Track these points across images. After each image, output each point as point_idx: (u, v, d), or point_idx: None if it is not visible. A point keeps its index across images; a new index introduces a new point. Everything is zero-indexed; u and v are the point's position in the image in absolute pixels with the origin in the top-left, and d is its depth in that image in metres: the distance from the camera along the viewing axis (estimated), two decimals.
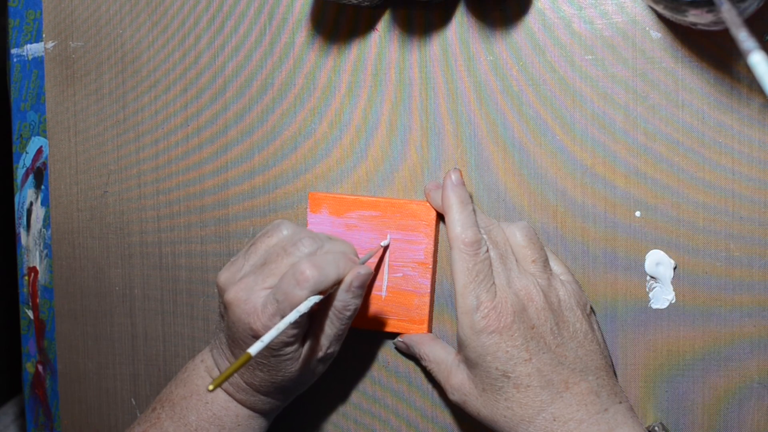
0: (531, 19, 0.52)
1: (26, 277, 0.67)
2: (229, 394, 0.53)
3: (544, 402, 0.47)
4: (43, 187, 0.65)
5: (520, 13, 0.52)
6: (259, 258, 0.50)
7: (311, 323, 0.50)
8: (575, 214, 0.52)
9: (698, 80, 0.49)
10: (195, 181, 0.60)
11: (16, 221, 0.67)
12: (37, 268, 0.66)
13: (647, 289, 0.51)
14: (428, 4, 0.53)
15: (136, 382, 0.63)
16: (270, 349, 0.48)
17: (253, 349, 0.41)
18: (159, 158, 0.61)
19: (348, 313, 0.49)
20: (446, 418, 0.55)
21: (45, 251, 0.66)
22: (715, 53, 0.49)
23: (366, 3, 0.53)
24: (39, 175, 0.66)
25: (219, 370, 0.53)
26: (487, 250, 0.49)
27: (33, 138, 0.66)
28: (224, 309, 0.50)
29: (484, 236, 0.49)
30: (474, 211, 0.50)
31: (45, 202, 0.65)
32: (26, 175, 0.66)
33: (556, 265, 0.51)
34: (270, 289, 0.48)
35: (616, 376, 0.51)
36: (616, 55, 0.50)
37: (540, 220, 0.53)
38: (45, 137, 0.65)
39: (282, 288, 0.46)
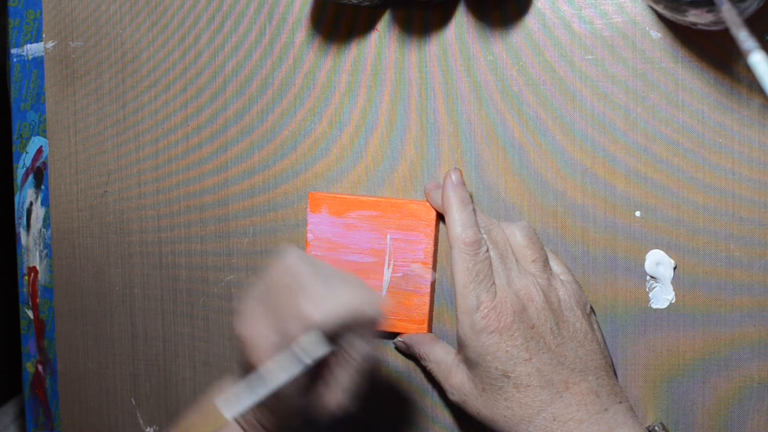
0: (530, 20, 0.52)
1: (26, 277, 0.67)
2: (242, 428, 0.49)
3: (544, 402, 0.46)
4: (43, 187, 0.65)
5: (519, 14, 0.52)
6: (270, 287, 0.46)
7: (320, 370, 0.46)
8: (575, 215, 0.52)
9: (698, 81, 0.49)
10: (195, 180, 0.60)
11: (16, 221, 0.67)
12: (37, 268, 0.66)
13: (647, 289, 0.51)
14: (427, 4, 0.53)
15: (136, 382, 0.63)
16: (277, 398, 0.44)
17: (228, 412, 0.41)
18: (159, 157, 0.61)
19: (368, 366, 0.45)
20: (446, 417, 0.55)
21: (45, 251, 0.66)
22: (715, 53, 0.48)
23: (366, 3, 0.53)
24: (39, 175, 0.66)
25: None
26: (487, 250, 0.49)
27: (33, 138, 0.66)
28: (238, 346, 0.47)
29: (484, 236, 0.49)
30: (474, 211, 0.50)
31: (45, 202, 0.65)
32: (26, 175, 0.66)
33: (556, 265, 0.51)
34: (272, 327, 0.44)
35: (616, 376, 0.51)
36: (615, 55, 0.50)
37: (540, 220, 0.53)
38: (45, 137, 0.65)
39: (281, 327, 0.43)
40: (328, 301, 0.43)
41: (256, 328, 0.44)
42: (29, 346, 0.67)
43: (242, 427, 0.49)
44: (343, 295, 0.44)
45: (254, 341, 0.44)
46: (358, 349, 0.45)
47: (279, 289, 0.45)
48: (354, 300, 0.44)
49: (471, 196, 0.53)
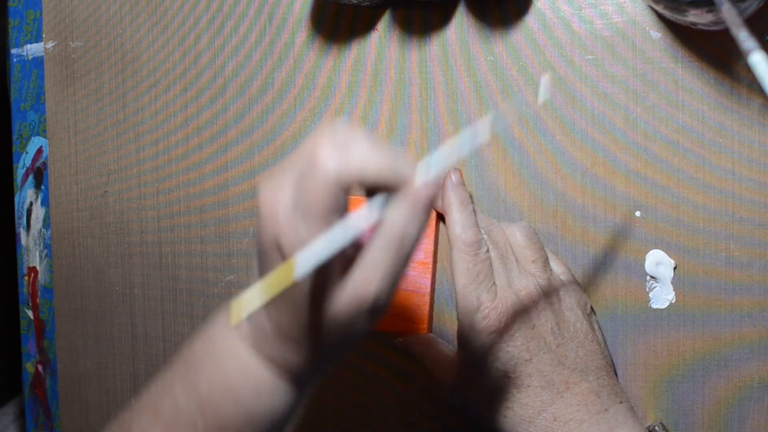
0: (530, 20, 0.52)
1: (26, 277, 0.67)
2: (250, 345, 0.39)
3: (544, 402, 0.46)
4: (43, 187, 0.65)
5: (519, 14, 0.52)
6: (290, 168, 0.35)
7: (357, 253, 0.36)
8: (575, 215, 0.52)
9: (698, 81, 0.49)
10: (195, 181, 0.60)
11: (16, 221, 0.67)
12: (37, 268, 0.66)
13: (647, 289, 0.51)
14: (428, 4, 0.53)
15: (136, 382, 0.63)
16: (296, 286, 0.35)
17: (301, 271, 0.30)
18: (159, 158, 0.61)
19: (409, 241, 0.34)
20: (446, 418, 0.55)
21: (45, 251, 0.66)
22: (715, 53, 0.49)
23: (366, 3, 0.53)
24: (39, 175, 0.66)
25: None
26: (488, 251, 0.49)
27: (33, 138, 0.66)
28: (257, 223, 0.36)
29: (485, 236, 0.49)
30: (474, 211, 0.50)
31: (45, 202, 0.65)
32: (26, 175, 0.66)
33: (556, 265, 0.51)
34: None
35: (616, 375, 0.51)
36: (615, 55, 0.50)
37: (540, 220, 0.53)
38: (45, 137, 0.65)
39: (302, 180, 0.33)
40: (354, 152, 0.33)
41: (274, 193, 0.34)
42: (29, 346, 0.67)
43: (251, 346, 0.39)
44: (377, 150, 0.34)
45: (270, 207, 0.34)
46: (394, 221, 0.34)
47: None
48: (391, 157, 0.34)
49: (471, 197, 0.53)
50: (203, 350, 0.41)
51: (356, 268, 0.35)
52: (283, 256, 0.34)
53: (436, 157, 0.35)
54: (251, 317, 0.38)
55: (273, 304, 0.36)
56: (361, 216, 0.33)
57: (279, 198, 0.34)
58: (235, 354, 0.39)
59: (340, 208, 0.33)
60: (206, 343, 0.41)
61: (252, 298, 0.31)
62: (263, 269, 0.36)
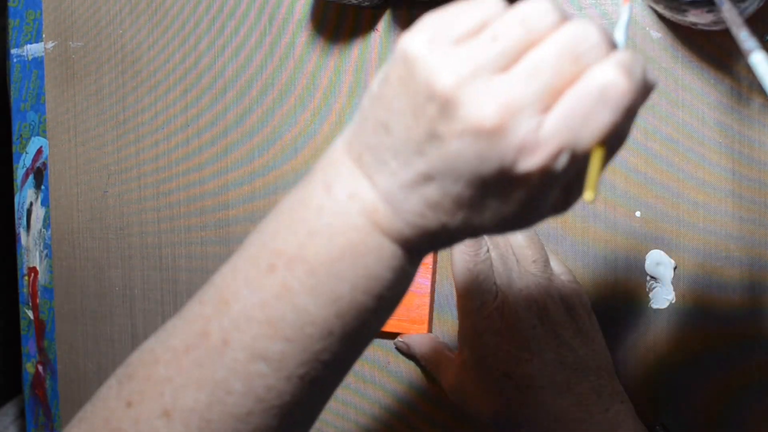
0: None
1: (26, 277, 0.66)
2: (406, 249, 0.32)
3: (545, 402, 0.47)
4: (43, 187, 0.65)
5: None
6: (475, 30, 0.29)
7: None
8: (575, 214, 0.52)
9: (698, 80, 0.49)
10: (195, 183, 0.60)
11: (16, 221, 0.67)
12: (37, 268, 0.66)
13: (647, 289, 0.51)
14: (429, 4, 0.53)
15: None
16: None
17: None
18: (159, 160, 0.61)
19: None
20: (446, 418, 0.55)
21: (45, 251, 0.66)
22: (715, 53, 0.49)
23: (366, 3, 0.53)
24: (39, 175, 0.66)
25: (397, 209, 0.31)
26: (488, 251, 0.49)
27: (33, 138, 0.66)
28: (397, 69, 0.30)
29: (485, 237, 0.49)
30: None
31: (45, 203, 0.65)
32: (26, 175, 0.66)
33: (556, 265, 0.51)
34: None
35: (616, 376, 0.51)
36: None
37: None
38: (45, 137, 0.65)
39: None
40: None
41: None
42: (29, 347, 0.67)
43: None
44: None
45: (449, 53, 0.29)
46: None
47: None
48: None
49: None
50: (337, 252, 0.32)
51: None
52: (443, 111, 0.28)
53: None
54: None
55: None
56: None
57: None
58: (381, 250, 0.32)
59: None
60: (336, 242, 0.32)
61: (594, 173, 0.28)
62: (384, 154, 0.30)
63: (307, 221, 0.33)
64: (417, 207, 0.31)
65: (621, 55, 0.28)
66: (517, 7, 0.29)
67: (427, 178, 0.30)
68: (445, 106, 0.28)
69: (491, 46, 0.29)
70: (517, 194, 0.30)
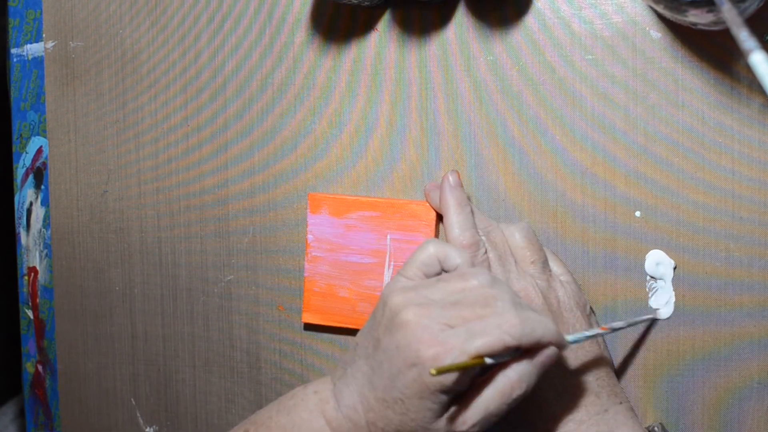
0: (530, 20, 0.52)
1: (26, 277, 0.67)
2: None
3: (544, 403, 0.46)
4: (43, 186, 0.65)
5: (519, 14, 0.52)
6: (449, 296, 0.42)
7: (473, 384, 0.42)
8: (575, 215, 0.52)
9: (698, 80, 0.49)
10: (194, 180, 0.60)
11: (16, 221, 0.67)
12: (37, 268, 0.66)
13: (647, 289, 0.51)
14: (428, 3, 0.53)
15: (136, 382, 0.63)
16: (426, 390, 0.40)
17: (490, 360, 0.39)
18: (158, 157, 0.61)
19: (518, 392, 0.41)
20: None
21: (45, 251, 0.66)
22: (715, 53, 0.48)
23: (365, 2, 0.52)
24: (39, 174, 0.66)
25: (339, 404, 0.44)
26: (486, 252, 0.49)
27: (33, 138, 0.66)
28: (389, 329, 0.42)
29: (483, 238, 0.49)
30: (472, 212, 0.50)
31: (45, 202, 0.65)
32: (26, 175, 0.66)
33: (555, 266, 0.51)
34: (449, 327, 0.41)
35: (616, 376, 0.51)
36: (615, 55, 0.50)
37: (539, 220, 0.53)
38: (45, 137, 0.65)
39: (479, 329, 0.40)
40: (527, 314, 0.41)
41: (435, 318, 0.41)
42: (29, 346, 0.67)
43: None
44: (541, 318, 0.41)
45: (428, 326, 0.41)
46: (520, 372, 0.41)
47: (471, 294, 0.42)
48: (549, 328, 0.41)
49: (469, 198, 0.53)
50: (289, 422, 0.46)
51: (463, 399, 0.42)
52: (415, 369, 0.40)
53: (581, 336, 0.44)
54: (349, 408, 0.44)
55: (388, 404, 0.42)
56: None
57: (436, 329, 0.40)
58: None
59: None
60: (293, 416, 0.46)
61: (449, 367, 0.39)
62: (378, 380, 0.42)
63: (281, 403, 0.47)
64: (350, 400, 0.44)
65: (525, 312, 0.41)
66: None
67: (364, 374, 0.43)
68: (391, 318, 0.42)
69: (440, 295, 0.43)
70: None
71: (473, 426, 0.41)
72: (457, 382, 0.40)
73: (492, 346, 0.39)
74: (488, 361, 0.39)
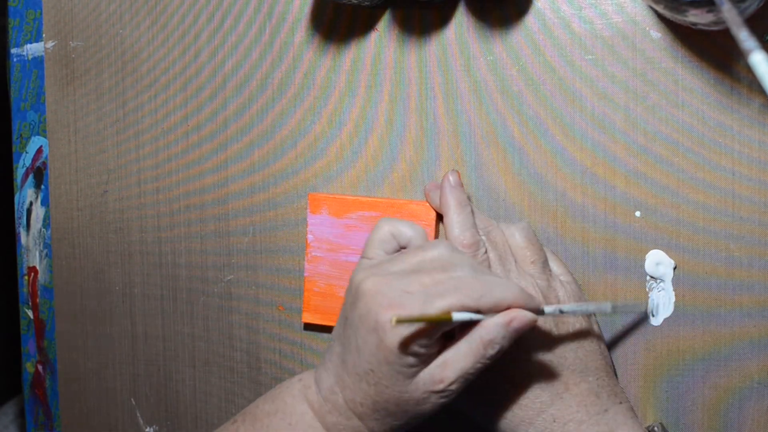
0: (530, 20, 0.52)
1: (26, 277, 0.67)
2: (318, 415, 0.46)
3: (543, 403, 0.46)
4: (42, 186, 0.65)
5: (519, 14, 0.52)
6: (408, 266, 0.43)
7: (444, 347, 0.43)
8: (575, 215, 0.52)
9: (698, 80, 0.49)
10: (194, 178, 0.60)
11: (16, 221, 0.67)
12: (37, 267, 0.66)
13: (647, 290, 0.51)
14: (428, 4, 0.53)
15: (136, 382, 0.63)
16: (390, 353, 0.41)
17: (457, 315, 0.39)
18: (158, 156, 0.61)
19: (491, 352, 0.42)
20: (445, 417, 0.55)
21: (45, 251, 0.66)
22: (715, 53, 0.48)
23: (366, 2, 0.52)
24: (39, 174, 0.66)
25: (319, 387, 0.46)
26: (486, 252, 0.49)
27: (33, 138, 0.66)
28: (353, 304, 0.43)
29: (483, 238, 0.49)
30: (472, 212, 0.50)
31: (45, 202, 0.65)
32: (26, 174, 0.66)
33: (555, 266, 0.51)
34: (409, 293, 0.41)
35: (616, 376, 0.51)
36: (615, 55, 0.50)
37: (539, 220, 0.53)
38: (45, 137, 0.65)
39: (437, 290, 0.41)
40: (487, 277, 0.42)
41: (393, 285, 0.42)
42: (29, 346, 0.67)
43: (320, 416, 0.46)
44: (506, 281, 0.42)
45: (387, 294, 0.42)
46: (492, 332, 0.41)
47: (430, 263, 0.43)
48: (515, 291, 0.42)
49: (469, 198, 0.53)
50: (274, 408, 0.47)
51: (441, 355, 0.42)
52: (377, 336, 0.41)
53: (566, 308, 0.45)
54: (325, 387, 0.46)
55: (361, 377, 0.43)
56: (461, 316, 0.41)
57: (396, 295, 0.41)
58: (304, 420, 0.46)
59: None
60: (277, 402, 0.47)
61: (409, 318, 0.39)
62: (347, 355, 0.44)
63: (268, 394, 0.49)
64: (328, 382, 0.45)
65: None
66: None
67: (338, 355, 0.45)
68: (354, 293, 0.43)
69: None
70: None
71: (451, 384, 0.42)
72: (419, 343, 0.41)
73: (450, 308, 0.40)
74: (455, 317, 0.40)
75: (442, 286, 0.41)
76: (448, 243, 0.44)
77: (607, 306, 0.46)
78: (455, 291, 0.41)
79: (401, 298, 0.41)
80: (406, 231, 0.46)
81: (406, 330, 0.40)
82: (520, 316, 0.41)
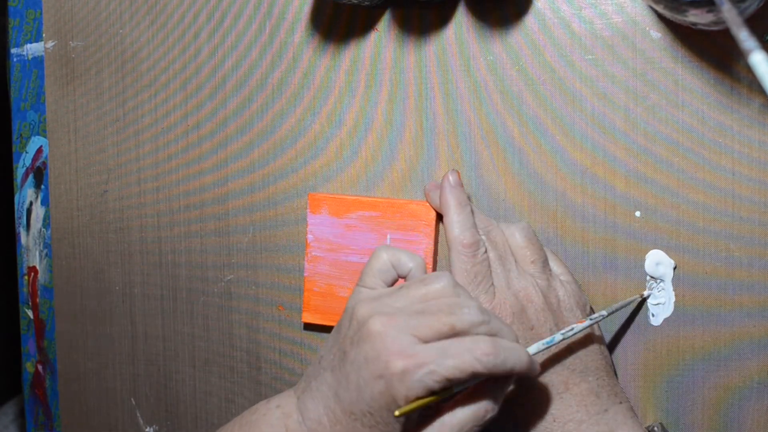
0: (530, 20, 0.52)
1: (26, 277, 0.67)
2: None
3: (543, 403, 0.46)
4: (42, 186, 0.65)
5: (518, 14, 0.52)
6: (412, 303, 0.42)
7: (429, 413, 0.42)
8: (575, 215, 0.52)
9: (698, 80, 0.49)
10: (194, 177, 0.60)
11: (16, 221, 0.67)
12: (37, 267, 0.66)
13: (647, 289, 0.51)
14: (427, 3, 0.53)
15: (136, 382, 0.63)
16: (394, 404, 0.40)
17: (459, 388, 0.39)
18: (158, 155, 0.61)
19: (491, 415, 0.41)
20: None
21: (45, 251, 0.66)
22: (715, 53, 0.48)
23: (365, 2, 0.52)
24: (39, 174, 0.66)
25: (303, 417, 0.44)
26: (486, 252, 0.49)
27: (33, 137, 0.66)
28: (356, 341, 0.41)
29: (483, 237, 0.49)
30: (472, 212, 0.50)
31: (45, 202, 0.65)
32: (26, 174, 0.66)
33: (555, 266, 0.51)
34: (418, 339, 0.40)
35: (616, 376, 0.51)
36: (615, 55, 0.50)
37: (539, 221, 0.53)
38: (45, 137, 0.65)
39: (452, 350, 0.39)
40: (503, 343, 0.40)
41: (403, 328, 0.41)
42: (29, 346, 0.67)
43: None
44: (511, 342, 0.41)
45: (398, 338, 0.40)
46: (497, 397, 0.41)
47: (434, 302, 0.42)
48: (520, 354, 0.41)
49: (469, 198, 0.53)
50: (260, 423, 0.46)
51: (440, 419, 0.41)
52: (383, 382, 0.40)
53: (558, 336, 0.45)
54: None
55: (356, 417, 0.41)
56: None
57: (406, 341, 0.40)
58: None
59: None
60: (266, 418, 0.46)
61: (412, 404, 0.39)
62: (345, 393, 0.42)
63: (243, 418, 0.47)
64: (315, 414, 0.43)
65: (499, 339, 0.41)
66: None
67: (330, 387, 0.43)
68: (357, 329, 0.42)
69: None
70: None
71: None
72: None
73: (462, 370, 0.39)
74: (457, 390, 0.40)
75: (456, 345, 0.40)
76: (449, 276, 0.43)
77: (602, 314, 0.47)
78: (468, 353, 0.39)
79: (414, 348, 0.39)
80: (407, 262, 0.45)
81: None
82: (489, 407, 0.41)
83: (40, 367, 0.67)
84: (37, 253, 0.66)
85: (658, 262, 0.51)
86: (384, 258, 0.45)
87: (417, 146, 0.55)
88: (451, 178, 0.51)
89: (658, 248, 0.51)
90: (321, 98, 0.57)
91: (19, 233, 0.67)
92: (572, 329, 0.45)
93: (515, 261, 0.49)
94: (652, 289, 0.51)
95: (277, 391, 0.59)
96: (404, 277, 0.45)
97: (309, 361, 0.58)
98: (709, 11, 0.41)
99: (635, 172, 0.51)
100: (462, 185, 0.51)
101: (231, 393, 0.61)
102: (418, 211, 0.54)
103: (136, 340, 0.63)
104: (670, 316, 0.51)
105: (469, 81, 0.53)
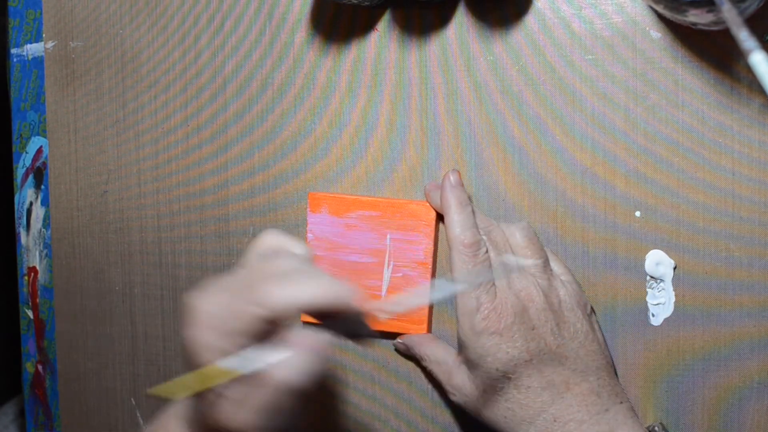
0: (530, 20, 0.52)
1: (26, 277, 0.67)
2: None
3: (544, 403, 0.46)
4: (42, 186, 0.65)
5: (519, 14, 0.52)
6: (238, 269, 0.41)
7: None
8: (575, 215, 0.52)
9: (698, 80, 0.49)
10: (194, 180, 0.60)
11: (16, 221, 0.67)
12: (37, 267, 0.66)
13: (647, 289, 0.51)
14: (428, 3, 0.53)
15: (136, 382, 0.63)
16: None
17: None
18: (158, 157, 0.61)
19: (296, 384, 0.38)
20: (446, 418, 0.55)
21: (45, 251, 0.66)
22: (715, 53, 0.48)
23: (366, 2, 0.53)
24: (39, 174, 0.66)
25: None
26: (487, 251, 0.49)
27: (33, 138, 0.66)
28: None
29: (484, 237, 0.49)
30: (473, 212, 0.50)
31: (45, 202, 0.65)
32: (26, 174, 0.66)
33: (556, 266, 0.51)
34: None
35: (616, 376, 0.51)
36: (615, 55, 0.50)
37: (540, 220, 0.53)
38: (45, 137, 0.65)
39: (233, 305, 0.38)
40: (285, 289, 0.37)
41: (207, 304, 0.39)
42: (29, 346, 0.67)
43: None
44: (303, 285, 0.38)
45: (200, 342, 0.38)
46: (277, 374, 0.38)
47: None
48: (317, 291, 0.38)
49: (470, 197, 0.53)
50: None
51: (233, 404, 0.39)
52: (198, 357, 0.38)
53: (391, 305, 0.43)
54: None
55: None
56: (272, 356, 0.38)
57: (209, 310, 0.38)
58: None
59: (258, 335, 0.38)
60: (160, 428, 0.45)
61: (178, 386, 0.38)
62: (187, 364, 0.40)
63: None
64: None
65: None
66: None
67: None
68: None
69: None
70: None
71: (248, 422, 0.39)
72: None
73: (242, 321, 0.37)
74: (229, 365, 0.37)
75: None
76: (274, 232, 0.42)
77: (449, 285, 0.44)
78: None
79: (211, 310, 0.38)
80: (293, 249, 0.42)
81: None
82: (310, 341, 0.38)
83: (40, 367, 0.67)
84: (37, 254, 0.66)
85: (658, 262, 0.51)
86: (267, 243, 0.42)
87: (418, 146, 0.55)
88: (451, 177, 0.51)
89: (658, 248, 0.51)
90: (323, 100, 0.57)
91: (19, 233, 0.67)
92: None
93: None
94: (651, 289, 0.51)
95: None
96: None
97: None
98: (709, 11, 0.41)
99: (635, 172, 0.51)
100: (462, 185, 0.51)
101: None
102: (418, 211, 0.54)
103: (136, 340, 0.63)
104: (670, 316, 0.51)
105: (469, 81, 0.53)
